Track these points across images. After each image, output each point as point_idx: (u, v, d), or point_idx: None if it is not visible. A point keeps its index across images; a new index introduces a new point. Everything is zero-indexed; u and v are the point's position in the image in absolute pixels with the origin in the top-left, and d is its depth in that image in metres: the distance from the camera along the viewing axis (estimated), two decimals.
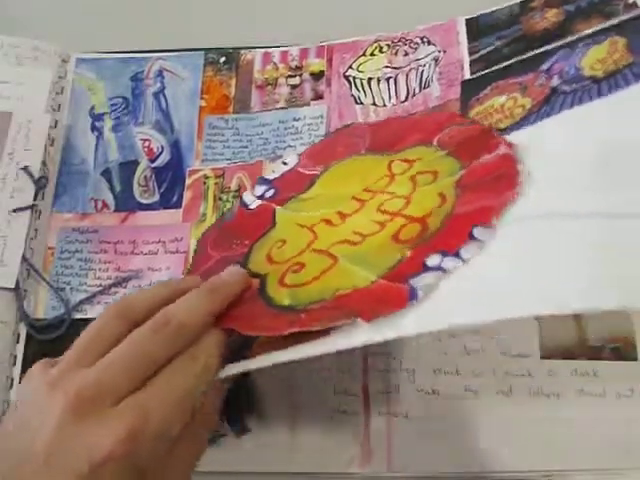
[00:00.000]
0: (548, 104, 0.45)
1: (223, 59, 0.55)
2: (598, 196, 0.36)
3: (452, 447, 0.44)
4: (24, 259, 0.48)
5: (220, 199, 0.49)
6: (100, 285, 0.47)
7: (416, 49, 0.53)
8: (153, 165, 0.52)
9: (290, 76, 0.54)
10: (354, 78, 0.53)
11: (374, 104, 0.52)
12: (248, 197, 0.48)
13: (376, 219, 0.40)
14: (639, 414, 0.44)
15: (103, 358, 0.31)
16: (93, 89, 0.55)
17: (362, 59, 0.53)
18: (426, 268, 0.35)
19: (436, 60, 0.52)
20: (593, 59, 0.46)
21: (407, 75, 0.51)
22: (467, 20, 0.53)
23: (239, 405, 0.44)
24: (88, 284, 0.48)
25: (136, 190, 0.51)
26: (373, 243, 0.39)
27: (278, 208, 0.45)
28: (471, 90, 0.49)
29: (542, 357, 0.46)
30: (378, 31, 0.55)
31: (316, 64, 0.54)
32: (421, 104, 0.50)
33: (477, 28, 0.52)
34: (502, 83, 0.48)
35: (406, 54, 0.52)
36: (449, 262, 0.35)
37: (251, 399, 0.44)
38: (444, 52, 0.52)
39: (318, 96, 0.53)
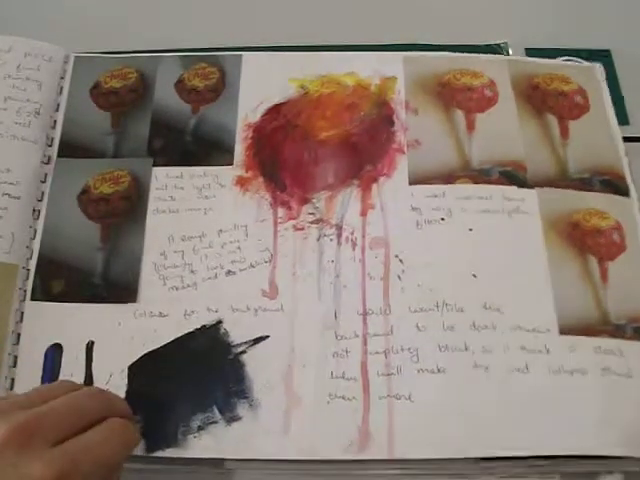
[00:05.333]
0: None
1: None
2: None
3: (461, 429, 0.42)
4: None
5: None
6: None
7: None
8: None
9: None
10: None
11: None
12: None
13: None
14: None
15: (47, 403, 0.35)
16: None
17: None
18: None
19: None
20: None
21: None
22: None
23: (230, 392, 0.44)
24: None
25: None
26: None
27: None
28: None
29: (561, 333, 0.44)
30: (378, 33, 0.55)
31: None
32: None
33: None
34: None
35: None
36: None
37: (243, 386, 0.44)
38: None
39: None
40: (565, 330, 0.44)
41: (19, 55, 0.55)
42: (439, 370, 0.43)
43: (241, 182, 0.51)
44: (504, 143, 0.51)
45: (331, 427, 0.42)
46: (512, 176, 0.50)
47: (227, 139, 0.53)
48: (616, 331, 0.44)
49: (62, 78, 0.55)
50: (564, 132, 0.52)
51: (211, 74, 0.56)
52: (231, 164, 0.52)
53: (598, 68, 0.55)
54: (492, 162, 0.50)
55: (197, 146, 0.53)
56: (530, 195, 0.49)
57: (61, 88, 0.55)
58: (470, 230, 0.48)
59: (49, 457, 0.33)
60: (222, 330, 0.46)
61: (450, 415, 0.42)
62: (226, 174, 0.51)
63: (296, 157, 0.52)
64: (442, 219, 0.48)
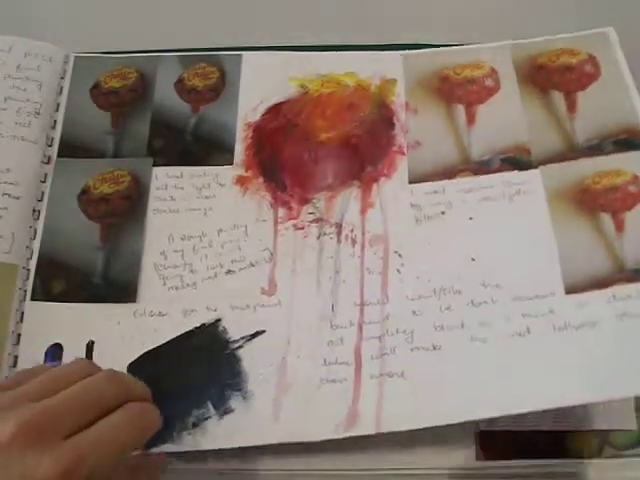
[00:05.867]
0: None
1: None
2: None
3: (456, 396, 0.41)
4: None
5: None
6: None
7: None
8: None
9: None
10: None
11: None
12: None
13: None
14: None
15: (57, 394, 0.34)
16: None
17: None
18: None
19: None
20: None
21: None
22: None
23: (224, 386, 0.44)
24: None
25: None
26: None
27: None
28: None
29: (567, 293, 0.43)
30: (378, 33, 0.55)
31: None
32: None
33: None
34: None
35: None
36: None
37: (238, 379, 0.44)
38: None
39: None
40: (572, 289, 0.43)
41: (19, 55, 0.55)
42: (434, 348, 0.43)
43: (241, 181, 0.51)
44: (506, 131, 0.50)
45: (321, 410, 0.42)
46: (514, 161, 0.49)
47: (227, 139, 0.53)
48: (635, 276, 0.43)
49: (62, 78, 0.55)
50: (571, 106, 0.50)
51: (211, 74, 0.56)
52: (231, 164, 0.52)
53: (611, 31, 0.53)
54: (493, 152, 0.50)
55: (197, 146, 0.53)
56: (533, 175, 0.48)
57: (61, 88, 0.55)
58: (470, 219, 0.47)
59: (57, 453, 0.32)
60: (220, 328, 0.46)
61: (444, 386, 0.42)
62: (226, 174, 0.51)
63: (296, 157, 0.52)
64: (442, 212, 0.48)
